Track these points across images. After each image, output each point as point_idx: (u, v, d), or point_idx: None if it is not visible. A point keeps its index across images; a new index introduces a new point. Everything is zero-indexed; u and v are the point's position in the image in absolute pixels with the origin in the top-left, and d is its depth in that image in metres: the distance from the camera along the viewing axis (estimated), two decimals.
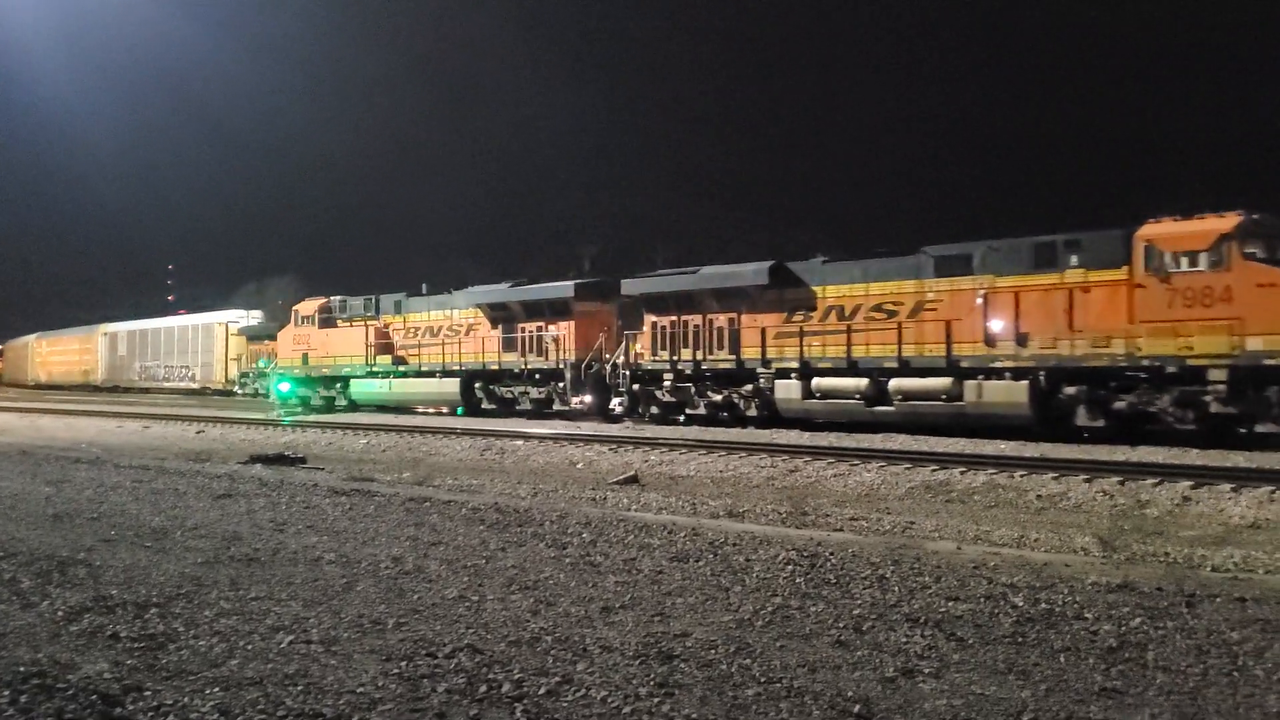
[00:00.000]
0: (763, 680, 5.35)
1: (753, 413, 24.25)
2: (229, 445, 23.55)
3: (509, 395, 30.14)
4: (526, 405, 29.50)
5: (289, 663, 5.61)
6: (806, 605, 6.96)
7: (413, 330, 32.96)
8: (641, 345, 26.74)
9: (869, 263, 22.69)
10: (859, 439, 20.62)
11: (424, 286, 33.48)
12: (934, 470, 15.75)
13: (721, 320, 24.87)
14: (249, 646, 5.92)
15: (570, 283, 29.27)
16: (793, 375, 23.30)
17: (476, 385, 30.73)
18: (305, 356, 35.69)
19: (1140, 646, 5.96)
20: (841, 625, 6.44)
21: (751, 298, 24.26)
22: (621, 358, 26.96)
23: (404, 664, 5.58)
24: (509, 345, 29.72)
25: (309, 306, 36.17)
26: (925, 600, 7.11)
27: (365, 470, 17.41)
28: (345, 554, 8.75)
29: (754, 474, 16.67)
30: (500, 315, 30.10)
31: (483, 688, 5.19)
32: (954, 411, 20.66)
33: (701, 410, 25.22)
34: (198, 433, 27.39)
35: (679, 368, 25.60)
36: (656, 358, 26.05)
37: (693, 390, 25.42)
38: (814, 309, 23.26)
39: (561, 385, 28.41)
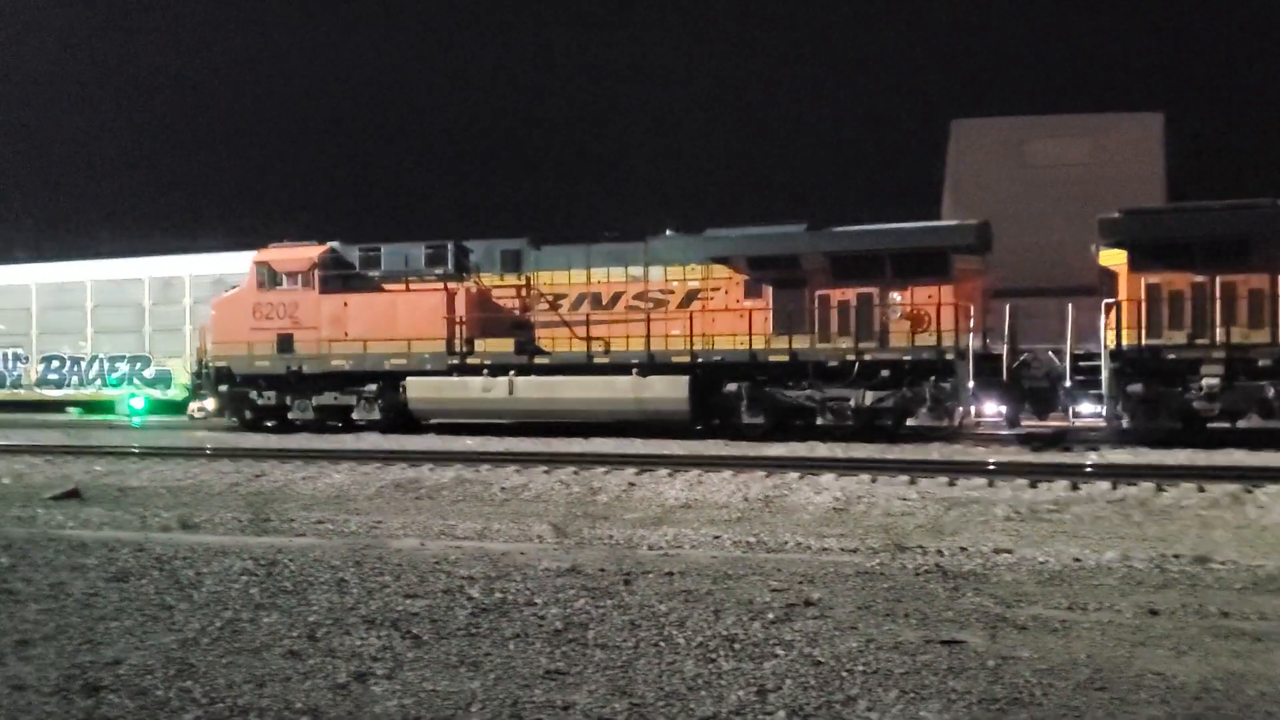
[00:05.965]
0: (204, 702, 4.99)
1: None
2: None
3: (806, 403, 19.43)
4: (846, 419, 19.06)
5: None
6: (260, 616, 6.63)
7: (556, 298, 21.33)
8: (1120, 321, 17.10)
9: None
10: (330, 440, 20.23)
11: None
12: (404, 468, 15.86)
13: None
14: None
15: (955, 223, 19.48)
16: None
17: (729, 387, 19.89)
18: (286, 340, 22.44)
19: (583, 626, 6.36)
20: (295, 634, 6.21)
21: None
22: (1107, 340, 17.26)
23: None
24: (786, 322, 19.45)
25: (293, 257, 22.62)
26: (384, 600, 7.07)
27: None
28: None
29: (216, 481, 15.69)
30: (772, 275, 19.77)
31: None
32: None
33: None
34: None
35: None
36: (1164, 340, 16.94)
37: None
38: None
39: (946, 385, 18.41)
